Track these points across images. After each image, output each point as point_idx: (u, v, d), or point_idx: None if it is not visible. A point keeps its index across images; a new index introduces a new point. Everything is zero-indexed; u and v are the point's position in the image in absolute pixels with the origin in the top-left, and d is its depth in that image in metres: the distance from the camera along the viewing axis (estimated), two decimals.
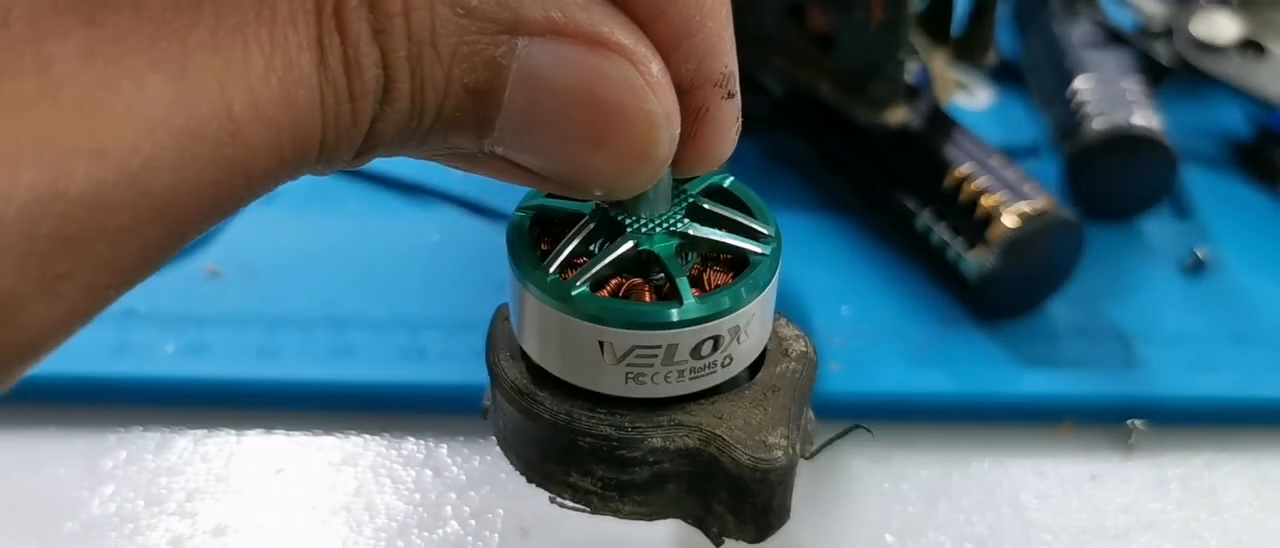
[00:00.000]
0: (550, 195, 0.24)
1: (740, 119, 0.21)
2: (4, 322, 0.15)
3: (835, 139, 0.45)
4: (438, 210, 0.44)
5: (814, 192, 0.46)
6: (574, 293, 0.22)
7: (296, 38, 0.16)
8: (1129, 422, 0.38)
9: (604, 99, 0.19)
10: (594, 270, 0.22)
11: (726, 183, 0.24)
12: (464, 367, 0.38)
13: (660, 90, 0.19)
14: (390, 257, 0.42)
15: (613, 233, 0.23)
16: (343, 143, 0.18)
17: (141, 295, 0.17)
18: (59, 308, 0.16)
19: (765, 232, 0.23)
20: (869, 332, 0.40)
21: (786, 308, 0.25)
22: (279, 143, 0.17)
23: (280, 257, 0.42)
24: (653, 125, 0.19)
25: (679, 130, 0.20)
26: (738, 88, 0.21)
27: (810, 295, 0.41)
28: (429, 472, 0.37)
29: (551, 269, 0.22)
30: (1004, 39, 0.53)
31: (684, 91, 0.20)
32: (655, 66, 0.19)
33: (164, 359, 0.38)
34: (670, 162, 0.20)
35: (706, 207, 0.23)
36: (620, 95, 0.19)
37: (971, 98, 0.51)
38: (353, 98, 0.17)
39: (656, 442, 0.23)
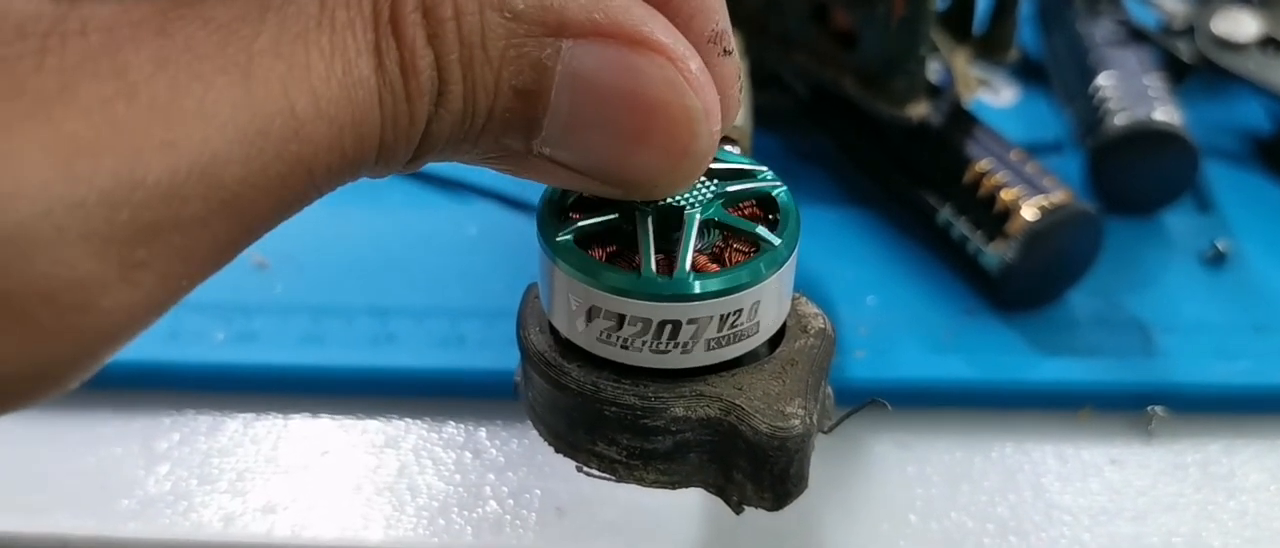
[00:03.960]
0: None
1: (742, 79, 0.22)
2: (88, 305, 0.16)
3: (859, 135, 0.46)
4: (475, 205, 0.46)
5: (840, 187, 0.47)
6: (559, 238, 0.22)
7: (355, 43, 0.17)
8: (1149, 408, 0.39)
9: (646, 97, 0.19)
10: (586, 224, 0.23)
11: (776, 193, 0.24)
12: (501, 353, 0.39)
13: (700, 87, 0.20)
14: (430, 249, 0.44)
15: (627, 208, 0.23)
16: (401, 143, 0.18)
17: None
18: (138, 295, 0.16)
19: (773, 242, 0.23)
20: (893, 321, 0.41)
21: (814, 297, 0.26)
22: (340, 141, 0.17)
23: (325, 249, 0.43)
24: (692, 120, 0.20)
25: (719, 126, 0.21)
26: (733, 47, 0.21)
27: (836, 286, 0.42)
28: (469, 453, 0.38)
29: (579, 245, 0.23)
30: (1028, 37, 0.53)
31: None
32: (695, 64, 0.20)
33: (215, 346, 0.40)
34: (711, 157, 0.21)
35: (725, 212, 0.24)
36: (661, 93, 0.19)
37: (996, 95, 0.52)
38: (409, 99, 0.18)
39: (679, 411, 0.23)
